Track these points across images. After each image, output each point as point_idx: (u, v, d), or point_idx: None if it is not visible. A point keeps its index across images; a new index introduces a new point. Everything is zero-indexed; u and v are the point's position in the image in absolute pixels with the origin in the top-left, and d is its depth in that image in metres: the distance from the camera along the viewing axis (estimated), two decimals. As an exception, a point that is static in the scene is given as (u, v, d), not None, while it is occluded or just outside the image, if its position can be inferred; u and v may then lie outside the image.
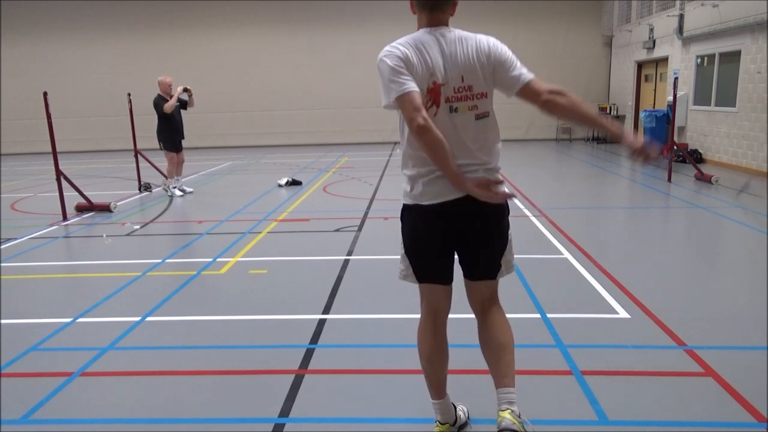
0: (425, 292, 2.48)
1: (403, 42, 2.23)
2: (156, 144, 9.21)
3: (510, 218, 2.43)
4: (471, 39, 2.24)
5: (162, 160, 10.56)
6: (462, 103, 2.23)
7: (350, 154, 14.94)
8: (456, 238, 2.36)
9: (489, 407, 2.62)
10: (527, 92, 2.24)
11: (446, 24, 2.29)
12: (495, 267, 2.43)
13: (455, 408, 2.63)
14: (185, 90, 9.06)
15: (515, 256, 2.52)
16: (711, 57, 11.50)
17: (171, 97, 9.00)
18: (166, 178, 9.44)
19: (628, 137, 2.21)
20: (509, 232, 2.45)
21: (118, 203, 8.43)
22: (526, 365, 3.18)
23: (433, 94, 2.22)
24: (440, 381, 2.53)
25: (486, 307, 2.50)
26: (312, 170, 12.05)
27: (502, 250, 2.42)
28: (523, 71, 2.25)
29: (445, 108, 2.23)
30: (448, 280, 2.46)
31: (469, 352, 2.90)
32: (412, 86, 2.13)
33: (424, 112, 2.11)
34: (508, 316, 2.52)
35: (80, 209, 8.01)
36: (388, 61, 2.16)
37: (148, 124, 12.58)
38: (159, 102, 8.96)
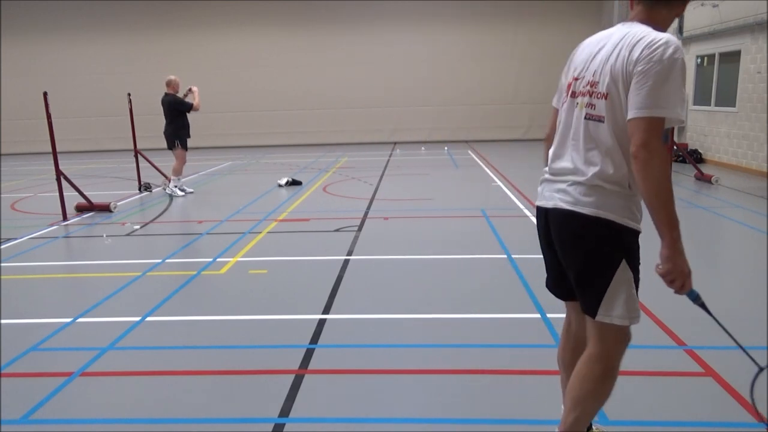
0: None
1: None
2: (162, 143, 9.22)
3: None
4: (634, 37, 1.92)
5: (163, 160, 10.57)
6: (583, 98, 2.05)
7: (350, 154, 14.94)
8: (556, 252, 2.19)
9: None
10: (629, 128, 1.91)
11: (658, 23, 1.99)
12: (590, 302, 2.09)
13: None
14: (189, 89, 9.18)
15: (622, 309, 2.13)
16: (711, 57, 11.50)
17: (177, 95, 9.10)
18: (167, 178, 9.43)
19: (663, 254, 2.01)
20: (621, 273, 2.06)
21: (118, 203, 8.43)
22: (526, 365, 3.18)
23: (568, 88, 2.14)
24: (564, 385, 2.42)
25: (586, 346, 2.22)
26: (312, 170, 12.05)
27: (594, 284, 2.07)
28: (640, 102, 1.85)
29: (571, 103, 2.11)
30: (564, 295, 2.33)
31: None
32: (554, 101, 2.27)
33: (550, 131, 2.27)
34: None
35: (80, 209, 8.00)
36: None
37: (148, 124, 12.63)
38: (179, 100, 9.01)
